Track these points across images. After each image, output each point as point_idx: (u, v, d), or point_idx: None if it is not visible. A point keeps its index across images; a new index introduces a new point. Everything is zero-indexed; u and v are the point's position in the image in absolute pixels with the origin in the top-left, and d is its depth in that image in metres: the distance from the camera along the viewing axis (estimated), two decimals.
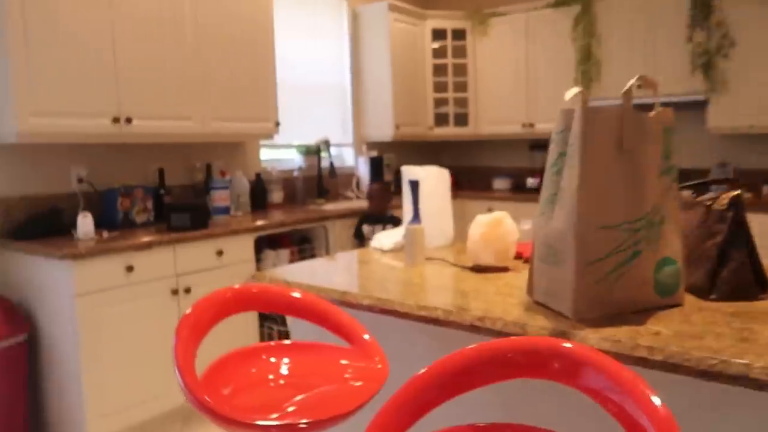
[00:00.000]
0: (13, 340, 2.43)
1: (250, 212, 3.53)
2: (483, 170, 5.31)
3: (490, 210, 4.59)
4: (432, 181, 2.13)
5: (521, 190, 4.85)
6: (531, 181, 4.84)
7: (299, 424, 1.08)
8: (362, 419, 1.67)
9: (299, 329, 1.89)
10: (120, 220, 2.90)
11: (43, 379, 2.59)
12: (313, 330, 1.82)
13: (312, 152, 4.28)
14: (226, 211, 3.31)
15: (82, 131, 2.62)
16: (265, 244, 3.36)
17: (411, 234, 1.84)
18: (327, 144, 4.09)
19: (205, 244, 2.83)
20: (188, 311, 1.32)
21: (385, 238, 2.11)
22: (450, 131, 4.94)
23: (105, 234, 2.67)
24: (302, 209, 3.74)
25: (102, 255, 2.43)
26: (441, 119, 4.94)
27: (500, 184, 5.00)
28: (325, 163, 4.30)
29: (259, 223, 3.09)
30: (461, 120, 4.94)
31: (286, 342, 1.44)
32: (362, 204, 4.28)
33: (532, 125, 4.62)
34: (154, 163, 3.28)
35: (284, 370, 1.34)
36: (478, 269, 1.75)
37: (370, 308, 1.49)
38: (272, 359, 1.38)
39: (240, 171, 3.57)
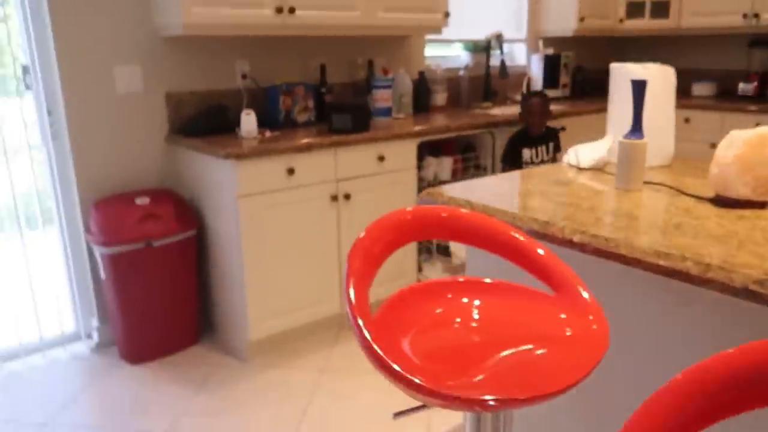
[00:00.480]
0: (183, 236, 2.46)
1: (411, 115, 3.24)
2: (681, 73, 4.48)
3: (686, 120, 3.87)
4: (657, 83, 1.66)
5: (728, 97, 4.02)
6: (744, 87, 3.98)
7: (512, 399, 0.82)
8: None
9: (473, 263, 1.62)
10: (282, 119, 2.77)
11: (211, 276, 2.64)
12: (489, 265, 1.54)
13: (480, 49, 3.83)
14: (387, 112, 3.06)
15: (245, 21, 2.45)
16: (426, 150, 3.08)
17: (630, 150, 1.43)
18: (500, 39, 3.60)
19: (367, 148, 2.62)
20: (361, 235, 1.08)
21: (584, 152, 1.72)
22: (645, 24, 4.16)
23: (267, 133, 2.55)
24: (467, 113, 3.38)
25: (264, 156, 2.31)
26: (635, 9, 4.16)
27: (701, 89, 4.19)
28: (494, 62, 3.84)
29: (423, 127, 2.81)
30: (660, 10, 4.12)
31: (472, 279, 1.18)
32: None
33: (757, 16, 3.71)
34: (315, 59, 3.08)
35: (476, 314, 1.08)
36: (725, 202, 1.32)
37: (581, 247, 1.16)
38: (464, 299, 1.12)
39: (403, 69, 3.26)
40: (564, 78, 4.11)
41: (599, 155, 1.69)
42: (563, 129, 3.29)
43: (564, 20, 3.94)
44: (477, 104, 3.74)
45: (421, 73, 3.43)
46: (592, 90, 4.42)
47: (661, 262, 1.02)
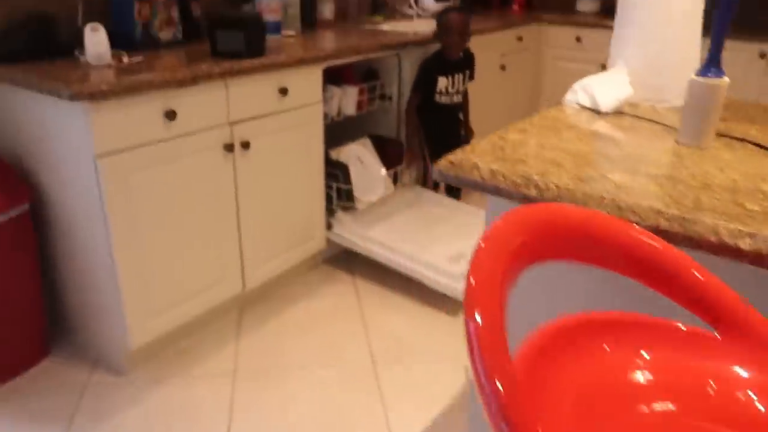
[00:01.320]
0: (10, 214, 1.69)
1: (300, 31, 2.61)
2: None
3: (578, 39, 3.69)
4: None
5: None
6: None
7: None
8: None
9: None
10: (138, 37, 2.00)
11: (59, 265, 1.90)
12: None
13: None
14: (276, 28, 2.40)
15: None
16: (325, 78, 2.51)
17: (708, 94, 1.06)
18: None
19: (265, 78, 1.99)
20: (484, 246, 0.58)
21: (601, 91, 1.32)
22: None
23: (125, 58, 1.80)
24: (360, 29, 2.83)
25: (131, 94, 1.60)
26: None
27: (586, 5, 4.02)
28: None
29: (329, 49, 2.22)
30: None
31: (606, 316, 0.74)
32: (431, 26, 3.34)
33: None
34: None
35: (654, 381, 0.66)
36: None
37: (750, 257, 0.77)
38: (626, 354, 0.68)
39: None
40: None
41: (624, 94, 1.31)
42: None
43: None
44: (367, 18, 3.17)
45: None
46: (477, 4, 4.05)
47: None
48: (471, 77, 2.78)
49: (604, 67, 3.52)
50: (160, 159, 1.73)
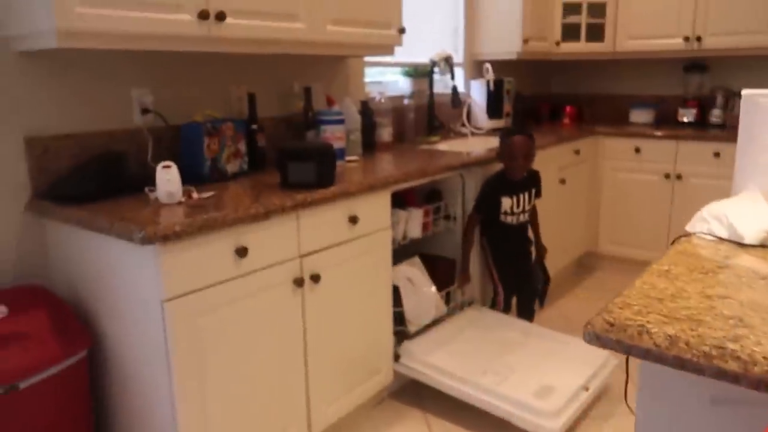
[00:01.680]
0: (69, 362, 1.56)
1: (362, 156, 2.57)
2: (615, 99, 4.26)
3: (637, 150, 3.60)
4: None
5: (669, 124, 3.83)
6: (685, 112, 3.81)
7: None
8: None
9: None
10: (207, 171, 1.95)
11: (114, 417, 1.74)
12: None
13: (422, 74, 3.27)
14: (340, 155, 2.36)
15: (153, 30, 1.63)
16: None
17: None
18: (449, 62, 3.06)
19: (336, 208, 1.90)
20: None
21: (741, 221, 1.16)
22: (581, 47, 3.87)
23: (194, 194, 1.73)
24: (417, 151, 2.78)
25: (204, 233, 1.51)
26: (570, 31, 3.86)
27: (639, 116, 3.98)
28: (438, 88, 3.29)
29: (395, 173, 2.14)
30: (596, 32, 3.86)
31: None
32: (487, 143, 3.30)
33: (699, 39, 3.55)
34: (238, 86, 2.30)
35: None
36: None
37: None
38: None
39: (348, 98, 2.58)
40: (507, 106, 3.67)
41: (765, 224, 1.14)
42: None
43: (507, 42, 3.51)
44: (423, 138, 3.15)
45: (365, 104, 2.77)
46: (529, 119, 4.04)
47: None
48: (538, 195, 2.67)
49: (667, 176, 3.41)
50: (229, 299, 1.60)
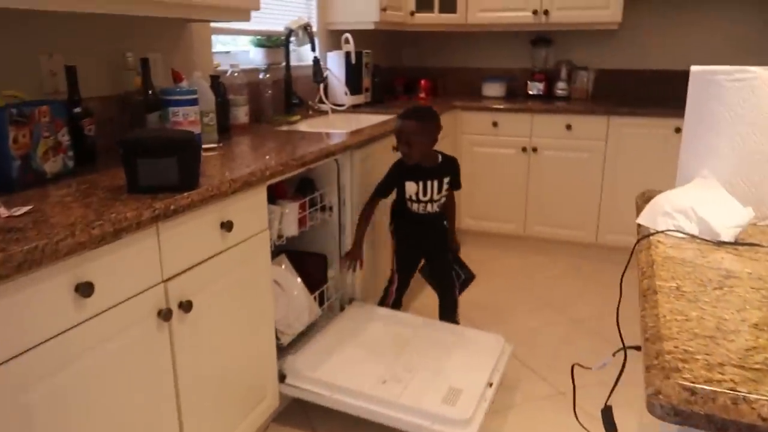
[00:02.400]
0: None
1: (217, 142, 2.15)
2: (468, 72, 4.22)
3: (494, 124, 3.59)
4: None
5: (519, 97, 3.88)
6: (533, 86, 3.88)
7: None
8: None
9: None
10: (17, 173, 1.42)
11: None
12: None
13: (275, 44, 2.87)
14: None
15: None
16: None
17: None
18: (308, 30, 2.71)
19: (205, 213, 1.50)
20: None
21: (716, 216, 1.02)
22: (434, 18, 3.73)
23: (3, 211, 1.22)
24: (280, 133, 2.44)
25: (24, 272, 1.04)
26: (424, 2, 3.70)
27: (492, 89, 3.98)
28: (292, 60, 2.93)
29: (268, 164, 1.78)
30: (448, 4, 3.74)
31: None
32: (349, 122, 3.04)
33: (547, 13, 3.59)
34: (50, 56, 1.75)
35: None
36: None
37: None
38: None
39: (198, 72, 2.13)
40: (366, 81, 3.42)
41: (743, 219, 1.02)
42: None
43: (364, 10, 3.24)
44: (282, 118, 2.78)
45: (216, 79, 2.33)
46: (386, 94, 3.84)
47: None
48: (455, 185, 2.44)
49: (524, 150, 3.38)
50: (70, 356, 1.16)
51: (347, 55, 3.19)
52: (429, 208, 2.36)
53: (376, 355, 2.14)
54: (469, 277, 2.49)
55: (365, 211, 2.36)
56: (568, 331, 2.74)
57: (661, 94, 3.78)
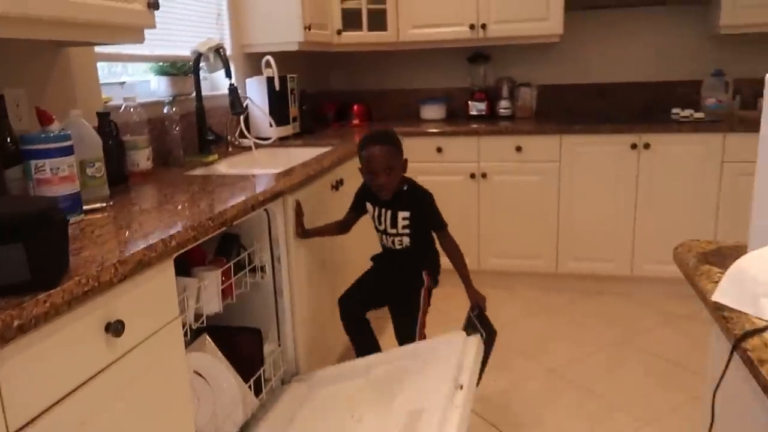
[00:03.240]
0: None
1: (108, 199, 1.66)
2: (403, 94, 3.88)
3: (439, 150, 3.25)
4: None
5: (460, 119, 3.58)
6: (474, 105, 3.58)
7: None
8: None
9: None
10: None
11: None
12: None
13: (181, 71, 2.41)
14: (74, 206, 1.43)
15: None
16: None
17: None
18: (221, 53, 2.27)
19: (77, 318, 1.03)
20: None
21: None
22: (363, 37, 3.38)
23: None
24: (190, 179, 1.98)
25: None
26: (351, 19, 3.33)
27: (431, 112, 3.65)
28: (204, 89, 2.47)
29: (174, 229, 1.33)
30: (378, 21, 3.40)
31: None
32: (277, 159, 2.62)
33: (484, 27, 3.31)
34: None
35: None
36: None
37: None
38: None
39: (77, 111, 1.64)
40: (293, 109, 3.00)
41: None
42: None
43: (285, 29, 2.83)
44: (197, 159, 2.32)
45: (105, 117, 1.85)
46: (315, 122, 3.43)
47: None
48: (430, 225, 2.03)
49: (472, 176, 2.99)
50: None
51: (269, 80, 2.76)
52: (388, 242, 2.03)
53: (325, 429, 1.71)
54: (491, 336, 1.97)
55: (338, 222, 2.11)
56: (546, 384, 2.39)
57: (606, 108, 3.59)
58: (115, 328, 1.10)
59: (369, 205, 2.03)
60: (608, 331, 2.80)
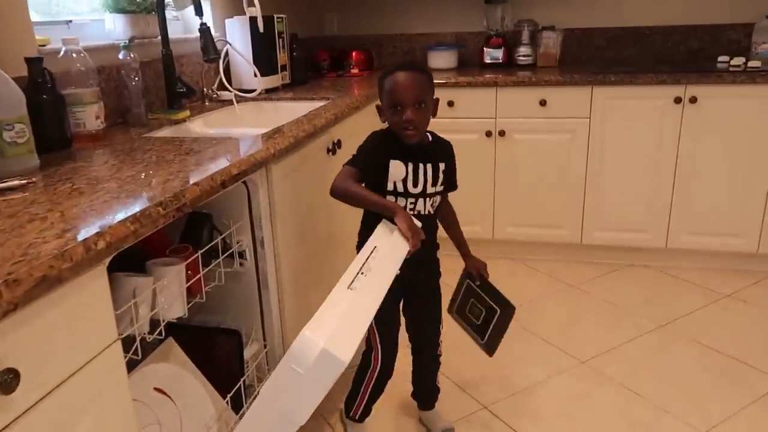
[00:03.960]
0: None
1: (38, 172, 1.28)
2: (408, 39, 3.44)
3: (450, 104, 2.84)
4: None
5: (474, 68, 3.16)
6: (489, 52, 3.15)
7: None
8: None
9: None
10: None
11: None
12: None
13: (141, 8, 1.98)
14: None
15: None
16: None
17: None
18: None
19: None
20: None
21: None
22: None
23: None
24: (153, 143, 1.59)
25: None
26: None
27: (440, 60, 3.22)
28: (175, 31, 2.05)
29: (109, 214, 0.95)
30: None
31: None
32: (263, 114, 2.23)
33: None
34: None
35: None
36: None
37: None
38: None
39: None
40: (282, 56, 2.57)
41: None
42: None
43: None
44: (163, 115, 1.92)
45: (36, 65, 1.44)
46: (308, 72, 3.00)
47: None
48: (450, 184, 1.63)
49: (489, 135, 2.52)
50: None
51: (253, 21, 2.33)
52: (420, 207, 1.55)
53: None
54: (509, 312, 1.67)
55: (341, 183, 1.51)
56: (580, 380, 2.07)
57: (639, 57, 3.16)
58: (4, 382, 0.73)
59: (398, 164, 1.50)
60: (644, 313, 2.46)
